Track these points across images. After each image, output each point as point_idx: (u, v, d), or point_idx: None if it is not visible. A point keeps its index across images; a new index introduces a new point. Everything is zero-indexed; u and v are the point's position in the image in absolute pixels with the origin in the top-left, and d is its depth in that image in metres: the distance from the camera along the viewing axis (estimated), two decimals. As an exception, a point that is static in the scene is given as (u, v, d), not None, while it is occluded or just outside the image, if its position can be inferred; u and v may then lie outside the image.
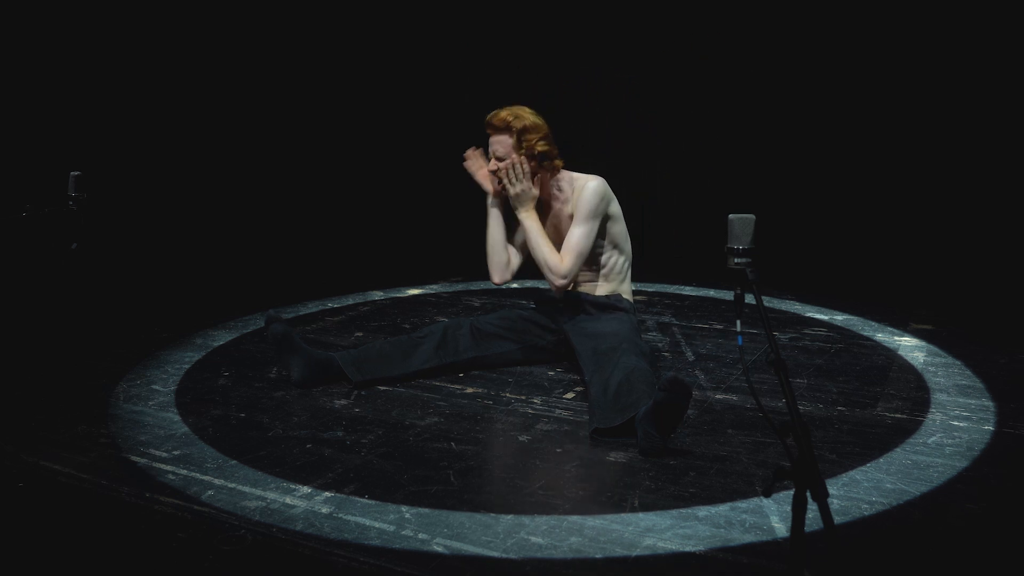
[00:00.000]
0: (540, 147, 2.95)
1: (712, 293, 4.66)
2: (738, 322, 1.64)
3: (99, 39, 4.79)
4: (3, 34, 4.40)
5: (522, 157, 2.94)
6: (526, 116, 2.94)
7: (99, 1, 4.77)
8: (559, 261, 2.95)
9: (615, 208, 3.04)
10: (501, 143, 2.95)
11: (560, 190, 3.04)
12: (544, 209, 3.07)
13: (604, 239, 3.04)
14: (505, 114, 2.94)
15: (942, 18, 4.73)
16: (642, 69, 5.57)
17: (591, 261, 3.05)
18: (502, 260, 3.12)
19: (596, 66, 5.66)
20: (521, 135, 2.93)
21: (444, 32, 6.09)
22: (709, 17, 5.35)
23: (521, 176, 2.95)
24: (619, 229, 3.07)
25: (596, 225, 2.96)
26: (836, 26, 5.02)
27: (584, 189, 2.95)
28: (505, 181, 2.97)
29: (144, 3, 5.00)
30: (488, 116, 2.98)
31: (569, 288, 3.13)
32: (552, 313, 3.18)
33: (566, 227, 3.01)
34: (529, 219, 2.99)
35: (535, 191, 3.00)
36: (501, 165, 2.96)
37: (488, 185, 3.09)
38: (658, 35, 5.51)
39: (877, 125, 5.02)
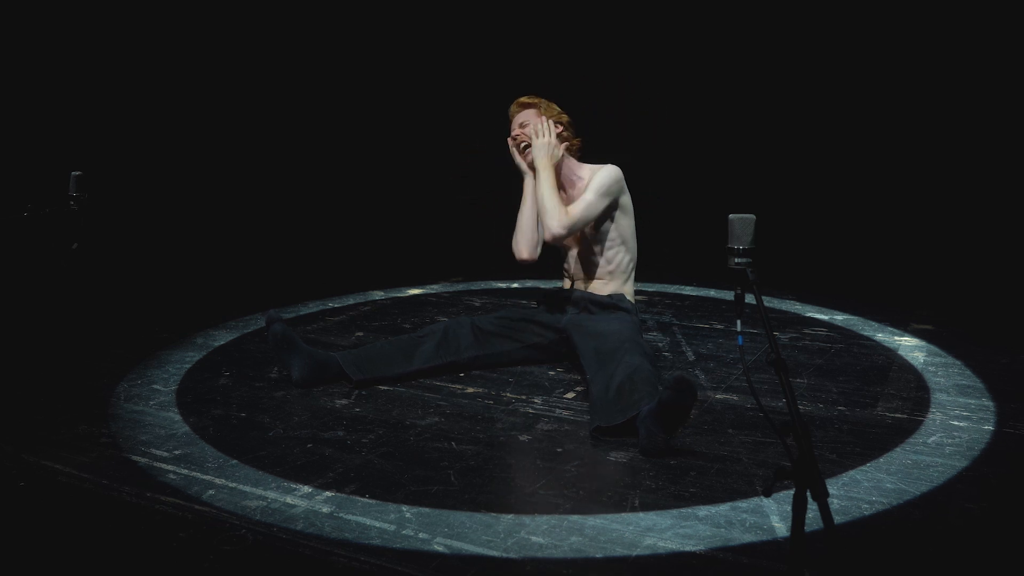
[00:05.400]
0: (562, 118, 3.11)
1: (712, 293, 4.65)
2: (738, 322, 1.65)
3: (99, 39, 4.79)
4: (3, 34, 4.40)
5: (547, 119, 3.05)
6: (548, 102, 3.14)
7: (99, 1, 4.78)
8: (565, 213, 2.95)
9: (626, 200, 3.07)
10: (526, 115, 3.10)
11: (579, 178, 3.08)
12: (560, 194, 3.07)
13: (614, 232, 3.05)
14: (528, 97, 3.13)
15: (942, 18, 4.73)
16: (642, 69, 5.56)
17: (598, 256, 3.06)
18: (533, 238, 3.13)
19: (596, 66, 5.66)
20: (546, 108, 3.10)
21: (444, 32, 6.09)
22: (709, 17, 5.35)
23: (545, 131, 3.02)
24: (628, 223, 3.09)
25: (604, 204, 2.99)
26: (837, 26, 5.02)
27: (602, 169, 3.03)
28: (531, 135, 3.03)
29: (144, 3, 5.00)
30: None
31: (571, 283, 3.17)
32: (554, 312, 3.18)
33: None
34: (546, 171, 2.99)
35: (559, 151, 3.04)
36: (525, 129, 3.06)
37: (525, 166, 3.12)
38: (658, 35, 5.51)
39: (878, 126, 5.03)
